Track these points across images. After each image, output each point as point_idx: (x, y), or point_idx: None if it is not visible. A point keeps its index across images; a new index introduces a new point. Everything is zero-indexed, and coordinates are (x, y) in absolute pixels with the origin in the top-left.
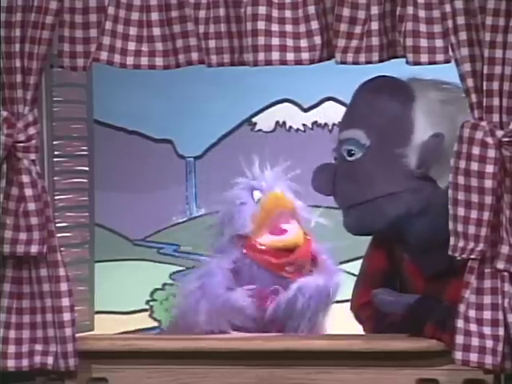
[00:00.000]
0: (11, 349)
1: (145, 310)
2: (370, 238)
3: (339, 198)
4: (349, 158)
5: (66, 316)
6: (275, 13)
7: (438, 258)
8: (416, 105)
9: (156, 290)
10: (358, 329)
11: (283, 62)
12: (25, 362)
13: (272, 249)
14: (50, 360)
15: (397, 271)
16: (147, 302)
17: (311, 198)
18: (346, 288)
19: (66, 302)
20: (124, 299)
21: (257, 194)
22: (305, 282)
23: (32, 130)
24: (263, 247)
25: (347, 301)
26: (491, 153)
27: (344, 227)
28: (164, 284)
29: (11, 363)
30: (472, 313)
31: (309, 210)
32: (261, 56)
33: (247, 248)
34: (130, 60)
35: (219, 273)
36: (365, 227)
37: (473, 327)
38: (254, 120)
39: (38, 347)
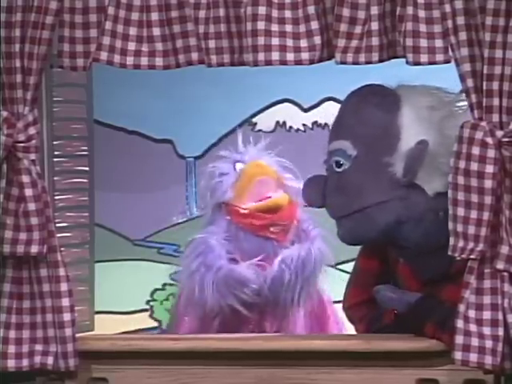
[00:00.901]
0: (11, 349)
1: (145, 310)
2: None
3: (330, 210)
4: (337, 169)
5: (66, 316)
6: (275, 13)
7: (432, 262)
8: (403, 112)
9: (156, 290)
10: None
11: (283, 62)
12: (25, 362)
13: (254, 211)
14: (50, 360)
15: (390, 272)
16: (147, 302)
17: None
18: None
19: (65, 302)
20: (124, 299)
21: (239, 166)
22: (287, 254)
23: (32, 130)
24: (246, 211)
25: None
26: (491, 153)
27: (338, 238)
28: (164, 284)
29: (11, 363)
30: (472, 313)
31: (298, 182)
32: (261, 56)
33: (231, 214)
34: (129, 60)
35: (217, 245)
36: (357, 237)
37: (472, 327)
38: (254, 120)
39: (38, 347)
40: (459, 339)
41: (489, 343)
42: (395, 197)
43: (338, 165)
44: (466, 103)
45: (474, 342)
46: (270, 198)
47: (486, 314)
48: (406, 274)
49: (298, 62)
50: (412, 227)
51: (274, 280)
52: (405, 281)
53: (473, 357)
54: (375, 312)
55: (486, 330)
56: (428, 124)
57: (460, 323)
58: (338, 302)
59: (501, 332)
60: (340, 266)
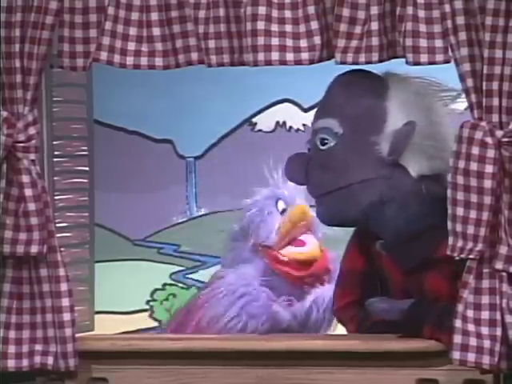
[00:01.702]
0: (11, 349)
1: (145, 310)
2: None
3: (311, 187)
4: (322, 147)
5: (66, 316)
6: (275, 13)
7: (413, 250)
8: (390, 96)
9: (156, 290)
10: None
11: (283, 62)
12: (25, 362)
13: (294, 261)
14: (50, 360)
15: (375, 271)
16: (147, 302)
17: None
18: None
19: (65, 302)
20: (124, 299)
21: (281, 205)
22: (320, 293)
23: (32, 130)
24: (285, 259)
25: None
26: (491, 153)
27: (317, 217)
28: (164, 284)
29: (11, 363)
30: (470, 313)
31: (317, 220)
32: (261, 56)
33: (269, 258)
34: (129, 60)
35: (261, 294)
36: (338, 216)
37: (471, 327)
38: (254, 120)
39: (38, 347)
40: (457, 339)
41: (487, 343)
42: (379, 175)
43: (323, 143)
44: (452, 93)
45: (472, 341)
46: (303, 242)
47: (484, 314)
48: (389, 267)
49: (298, 62)
50: (394, 209)
51: (303, 318)
52: (389, 274)
53: (471, 356)
54: (364, 311)
55: (484, 330)
56: (414, 109)
57: (458, 323)
58: None
59: (499, 332)
60: None
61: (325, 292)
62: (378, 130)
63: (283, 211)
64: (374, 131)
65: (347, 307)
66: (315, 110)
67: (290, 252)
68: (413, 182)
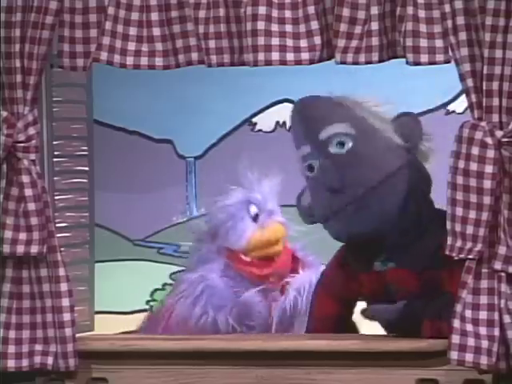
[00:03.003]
0: (11, 349)
1: (145, 310)
2: None
3: (350, 188)
4: (341, 150)
5: (66, 316)
6: (275, 13)
7: (419, 248)
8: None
9: (156, 290)
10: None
11: (283, 62)
12: (25, 362)
13: (256, 261)
14: (49, 360)
15: (348, 311)
16: (147, 302)
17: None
18: None
19: (66, 302)
20: (124, 299)
21: (253, 209)
22: (299, 282)
23: (32, 130)
24: (248, 259)
25: None
26: (490, 153)
27: (337, 235)
28: (164, 284)
29: (11, 363)
30: (468, 313)
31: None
32: (261, 56)
33: (232, 260)
34: (129, 60)
35: (220, 284)
36: (368, 224)
37: (469, 327)
38: (254, 120)
39: (38, 347)
40: (455, 339)
41: (485, 343)
42: (402, 165)
43: (341, 146)
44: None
45: (470, 341)
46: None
47: (483, 314)
48: (399, 278)
49: (298, 62)
50: (410, 200)
51: (285, 310)
52: (400, 285)
53: (468, 357)
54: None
55: (482, 330)
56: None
57: (456, 323)
58: None
59: (497, 332)
60: None
61: (303, 279)
62: (375, 128)
63: (256, 216)
64: (373, 130)
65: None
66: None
67: (252, 239)
68: (424, 170)
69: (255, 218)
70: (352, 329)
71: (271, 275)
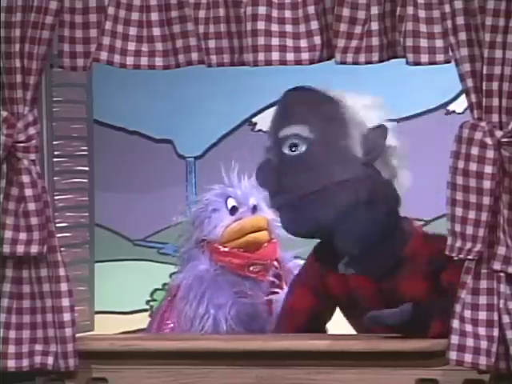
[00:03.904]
0: (11, 349)
1: (145, 310)
2: None
3: (285, 193)
4: (291, 153)
5: (66, 316)
6: (275, 13)
7: (382, 253)
8: (345, 105)
9: (156, 290)
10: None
11: (283, 62)
12: (25, 362)
13: (233, 249)
14: (50, 360)
15: (326, 307)
16: (147, 302)
17: None
18: None
19: (65, 302)
20: (124, 299)
21: (231, 202)
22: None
23: (32, 130)
24: (225, 249)
25: None
26: (490, 153)
27: (285, 226)
28: (164, 284)
29: (11, 363)
30: (467, 313)
31: (278, 223)
32: (261, 56)
33: (210, 252)
34: (129, 60)
35: (221, 283)
36: (311, 221)
37: (468, 327)
38: (254, 120)
39: (38, 347)
40: (454, 339)
41: (484, 344)
42: (355, 176)
43: (292, 149)
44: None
45: (469, 342)
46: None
47: (482, 315)
48: (357, 284)
49: (298, 62)
50: (365, 211)
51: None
52: (359, 292)
53: (467, 357)
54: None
55: (482, 331)
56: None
57: (455, 323)
58: None
59: (496, 333)
60: None
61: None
62: (346, 134)
63: (233, 209)
64: (342, 136)
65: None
66: (272, 122)
67: (228, 228)
68: (383, 184)
69: (233, 211)
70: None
71: (251, 265)
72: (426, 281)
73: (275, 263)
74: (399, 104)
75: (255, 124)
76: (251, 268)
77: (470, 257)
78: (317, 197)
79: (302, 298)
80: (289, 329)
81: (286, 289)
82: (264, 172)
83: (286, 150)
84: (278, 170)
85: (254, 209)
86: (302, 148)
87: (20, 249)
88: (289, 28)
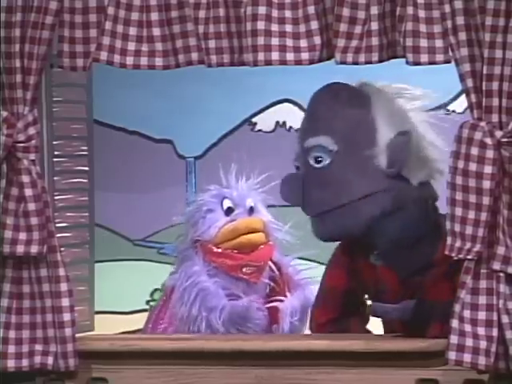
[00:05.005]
0: (11, 349)
1: (145, 310)
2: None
3: (310, 206)
4: (316, 165)
5: (66, 316)
6: (275, 13)
7: (410, 257)
8: (374, 106)
9: (156, 290)
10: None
11: (283, 62)
12: (25, 363)
13: (227, 250)
14: (50, 360)
15: (359, 288)
16: (147, 302)
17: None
18: None
19: (65, 302)
20: (124, 299)
21: (226, 203)
22: (293, 305)
23: (32, 130)
24: (218, 250)
25: None
26: (490, 153)
27: (315, 235)
28: (164, 284)
29: (11, 363)
30: (467, 313)
31: (276, 225)
32: (261, 56)
33: (204, 252)
34: (129, 60)
35: (211, 285)
36: (338, 233)
37: (467, 327)
38: (254, 120)
39: (38, 347)
40: (453, 339)
41: (483, 344)
42: (380, 189)
43: (318, 161)
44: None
45: (469, 342)
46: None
47: (481, 315)
48: (384, 276)
49: (298, 62)
50: (395, 220)
51: (289, 330)
52: (384, 284)
53: (466, 357)
54: (341, 328)
55: (481, 331)
56: (398, 117)
57: (455, 323)
58: None
59: (495, 333)
60: None
61: (295, 303)
62: (372, 142)
63: (229, 209)
64: (367, 145)
65: (326, 325)
66: (300, 128)
67: (222, 229)
68: (413, 191)
69: (228, 212)
70: (363, 308)
71: (244, 266)
72: (449, 285)
73: (272, 266)
74: None
75: (255, 124)
76: (244, 270)
77: (469, 257)
78: (343, 210)
79: (337, 277)
80: (327, 307)
81: (289, 295)
82: (288, 186)
83: (312, 161)
84: (304, 183)
85: (251, 210)
86: (327, 161)
87: (20, 249)
88: (289, 28)
